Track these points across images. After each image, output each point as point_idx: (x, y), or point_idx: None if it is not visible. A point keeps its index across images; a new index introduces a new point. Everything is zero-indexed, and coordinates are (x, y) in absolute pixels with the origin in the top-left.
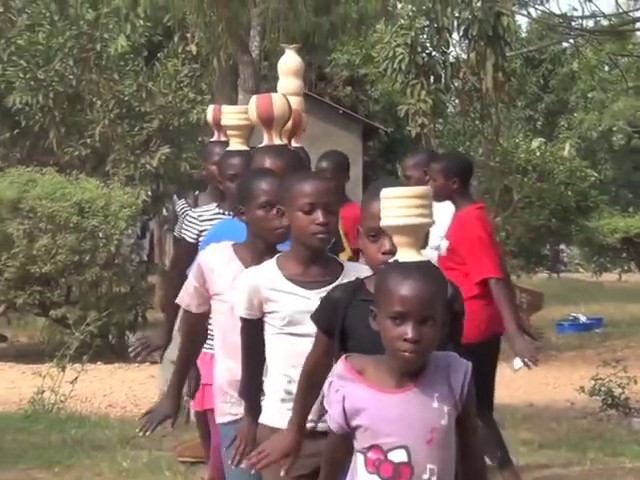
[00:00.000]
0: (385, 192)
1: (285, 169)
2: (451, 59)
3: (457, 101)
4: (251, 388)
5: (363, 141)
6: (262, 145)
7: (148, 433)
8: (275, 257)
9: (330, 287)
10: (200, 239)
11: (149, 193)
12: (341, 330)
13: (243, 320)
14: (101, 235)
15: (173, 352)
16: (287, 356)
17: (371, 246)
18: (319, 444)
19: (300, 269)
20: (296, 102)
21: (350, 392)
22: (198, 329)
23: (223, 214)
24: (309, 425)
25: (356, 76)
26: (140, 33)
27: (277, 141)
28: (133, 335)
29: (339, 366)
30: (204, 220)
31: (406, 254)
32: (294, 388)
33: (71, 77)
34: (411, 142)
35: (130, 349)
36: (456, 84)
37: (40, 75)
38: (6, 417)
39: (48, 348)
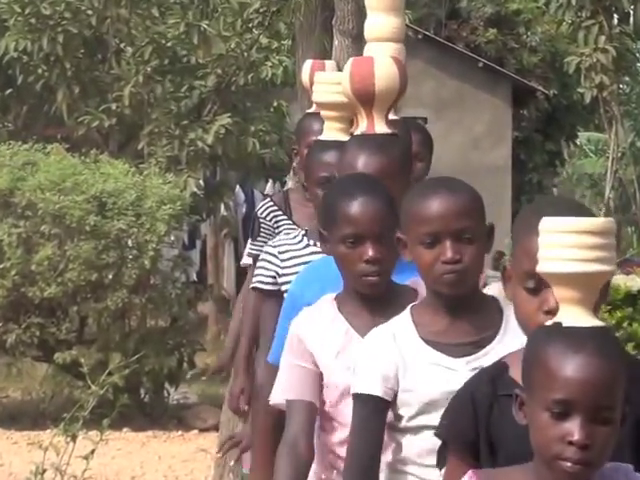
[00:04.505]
0: (545, 223)
1: (388, 172)
2: None
3: None
4: None
5: (513, 108)
6: (358, 133)
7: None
8: (409, 307)
9: (487, 350)
10: (279, 280)
11: (201, 183)
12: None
13: (370, 399)
14: (130, 243)
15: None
16: (418, 456)
17: (528, 300)
18: None
19: (442, 325)
20: (394, 52)
21: None
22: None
23: (315, 246)
24: None
25: (504, 13)
26: None
27: (380, 127)
28: (175, 390)
29: None
30: (288, 259)
31: (574, 316)
32: None
33: (89, 13)
34: (584, 110)
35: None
36: None
37: (44, 10)
38: None
39: (51, 408)
